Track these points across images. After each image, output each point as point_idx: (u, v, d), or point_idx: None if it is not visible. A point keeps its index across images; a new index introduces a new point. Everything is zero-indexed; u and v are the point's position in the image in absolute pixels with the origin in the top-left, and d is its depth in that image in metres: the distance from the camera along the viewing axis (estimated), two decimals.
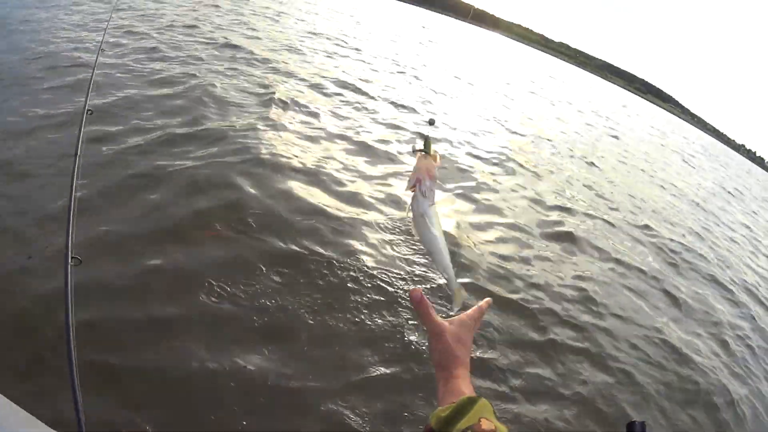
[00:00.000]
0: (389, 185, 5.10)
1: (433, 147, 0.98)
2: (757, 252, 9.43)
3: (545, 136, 11.65)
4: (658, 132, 31.92)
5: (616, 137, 16.91)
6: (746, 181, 29.24)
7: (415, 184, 0.93)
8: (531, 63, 53.42)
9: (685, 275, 6.12)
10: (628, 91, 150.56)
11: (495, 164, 7.57)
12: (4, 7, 8.34)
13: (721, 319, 5.26)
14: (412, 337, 3.02)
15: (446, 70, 16.41)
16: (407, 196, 0.94)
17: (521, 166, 7.94)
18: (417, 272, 3.70)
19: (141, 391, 2.23)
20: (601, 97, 45.96)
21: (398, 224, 4.30)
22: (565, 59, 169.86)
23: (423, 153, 0.96)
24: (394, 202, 4.75)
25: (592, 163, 10.46)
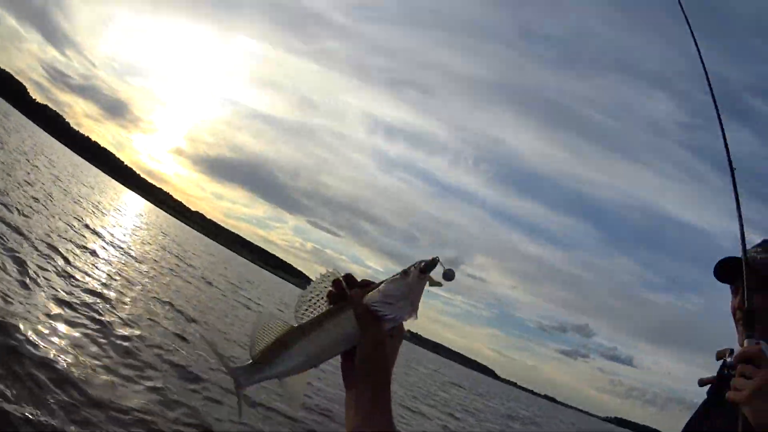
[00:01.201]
0: None
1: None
2: None
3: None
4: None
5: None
6: None
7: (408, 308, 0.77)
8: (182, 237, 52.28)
9: None
10: (258, 265, 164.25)
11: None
12: None
13: None
14: None
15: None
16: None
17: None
18: None
19: None
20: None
21: None
22: (198, 229, 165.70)
23: (427, 276, 0.77)
24: None
25: None
